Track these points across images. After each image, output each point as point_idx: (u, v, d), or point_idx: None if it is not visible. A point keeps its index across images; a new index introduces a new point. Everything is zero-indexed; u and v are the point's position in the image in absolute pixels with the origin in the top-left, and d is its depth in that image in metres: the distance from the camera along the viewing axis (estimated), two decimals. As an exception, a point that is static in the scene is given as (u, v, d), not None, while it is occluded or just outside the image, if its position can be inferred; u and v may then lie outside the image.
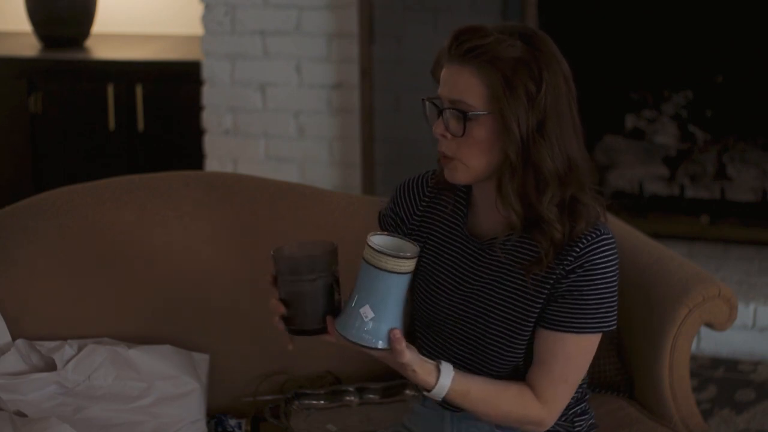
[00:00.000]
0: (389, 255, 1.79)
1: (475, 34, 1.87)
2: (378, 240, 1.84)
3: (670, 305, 2.26)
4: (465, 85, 1.86)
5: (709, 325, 2.30)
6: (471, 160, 1.89)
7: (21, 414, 2.18)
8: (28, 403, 2.21)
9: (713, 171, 3.96)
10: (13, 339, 2.30)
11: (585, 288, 1.90)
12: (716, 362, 3.48)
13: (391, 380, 2.40)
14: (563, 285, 1.91)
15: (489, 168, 1.90)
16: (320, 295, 1.83)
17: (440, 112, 1.90)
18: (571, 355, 1.93)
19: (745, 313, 3.52)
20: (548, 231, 1.89)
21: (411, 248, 1.84)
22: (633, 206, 3.95)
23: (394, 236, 1.88)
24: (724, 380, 3.37)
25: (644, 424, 2.26)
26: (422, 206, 2.06)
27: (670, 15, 3.84)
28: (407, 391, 2.36)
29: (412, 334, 2.20)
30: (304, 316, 1.84)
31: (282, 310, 1.85)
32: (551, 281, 1.92)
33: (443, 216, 2.04)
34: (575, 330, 1.91)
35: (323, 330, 1.86)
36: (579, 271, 1.90)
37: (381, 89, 3.96)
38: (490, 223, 1.99)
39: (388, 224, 2.09)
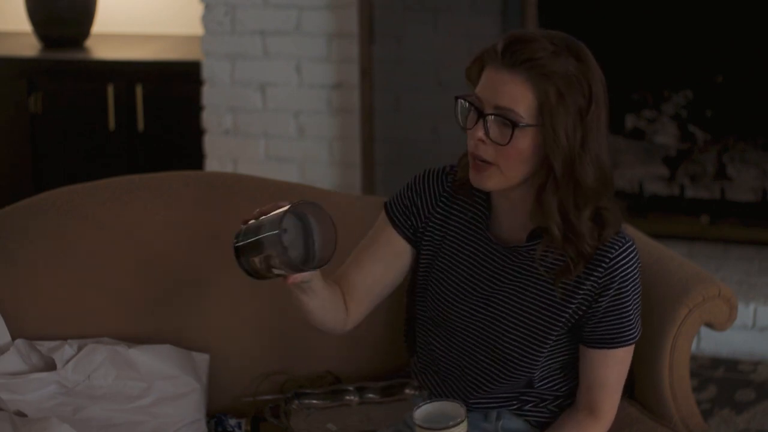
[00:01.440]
0: (440, 429, 1.83)
1: (532, 44, 1.84)
2: (421, 415, 1.87)
3: (670, 305, 2.25)
4: (516, 95, 1.84)
5: (709, 325, 2.30)
6: (508, 168, 1.88)
7: (21, 414, 2.18)
8: (27, 403, 2.21)
9: (713, 171, 3.96)
10: (13, 339, 2.30)
11: (624, 302, 1.94)
12: (716, 362, 3.48)
13: (391, 379, 2.40)
14: (601, 303, 1.93)
15: (523, 177, 1.89)
16: (262, 248, 1.81)
17: (481, 116, 1.87)
18: (622, 363, 2.00)
19: (745, 313, 3.52)
20: (579, 244, 1.89)
21: (456, 409, 1.87)
22: (633, 206, 3.95)
23: (432, 402, 1.92)
24: (724, 380, 3.37)
25: (644, 424, 2.26)
26: (442, 200, 2.05)
27: (670, 15, 3.84)
28: (407, 390, 2.36)
29: (411, 332, 2.20)
30: (243, 238, 1.84)
31: (246, 222, 1.85)
32: (581, 294, 1.93)
33: (464, 215, 2.03)
34: (625, 343, 1.97)
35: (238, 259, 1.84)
36: (614, 286, 1.92)
37: (381, 89, 3.96)
38: (513, 228, 1.98)
39: (399, 212, 2.08)
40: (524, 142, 1.86)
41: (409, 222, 2.07)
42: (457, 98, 1.91)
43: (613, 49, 3.86)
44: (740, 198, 3.94)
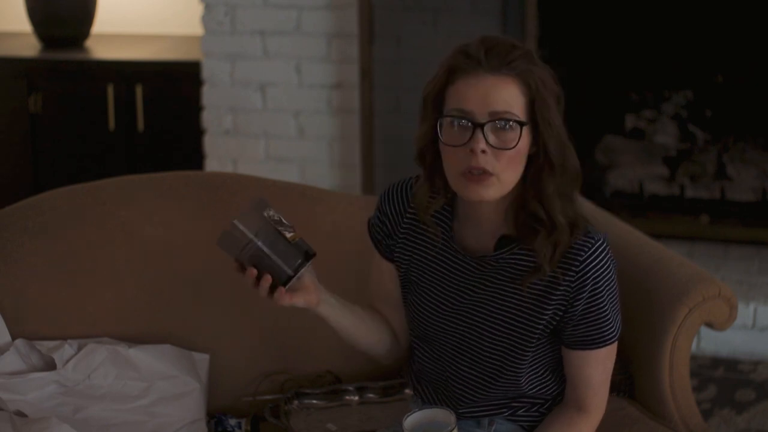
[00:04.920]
0: None
1: (503, 45, 1.88)
2: (411, 423, 1.88)
3: (670, 305, 2.26)
4: (509, 97, 1.85)
5: (709, 325, 2.30)
6: (508, 173, 1.87)
7: (21, 414, 2.18)
8: (27, 402, 2.21)
9: (713, 171, 3.97)
10: (13, 339, 2.30)
11: (601, 304, 1.93)
12: (716, 362, 3.48)
13: (390, 379, 2.40)
14: (577, 307, 1.92)
15: (516, 181, 1.90)
16: (271, 245, 1.88)
17: (477, 127, 1.85)
18: (605, 361, 1.99)
19: (745, 313, 3.52)
20: (556, 236, 1.89)
21: (446, 416, 1.88)
22: (633, 206, 3.95)
23: (423, 409, 1.92)
24: (724, 380, 3.37)
25: (644, 424, 2.26)
26: (408, 215, 2.05)
27: (670, 15, 3.84)
28: (407, 390, 2.36)
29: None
30: (274, 270, 1.89)
31: (253, 273, 1.89)
32: (556, 299, 1.92)
33: (429, 228, 2.03)
34: (606, 343, 1.96)
35: (299, 268, 1.90)
36: (587, 288, 1.91)
37: (381, 89, 3.96)
38: (480, 238, 1.97)
39: (377, 233, 2.08)
40: (523, 142, 1.87)
41: (385, 242, 2.08)
42: (437, 118, 1.89)
43: (613, 48, 3.86)
44: (740, 198, 3.94)
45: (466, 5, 3.87)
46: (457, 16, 3.87)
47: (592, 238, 1.91)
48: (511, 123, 1.85)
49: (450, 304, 2.00)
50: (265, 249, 1.88)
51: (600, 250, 1.91)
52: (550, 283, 1.91)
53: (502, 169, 1.86)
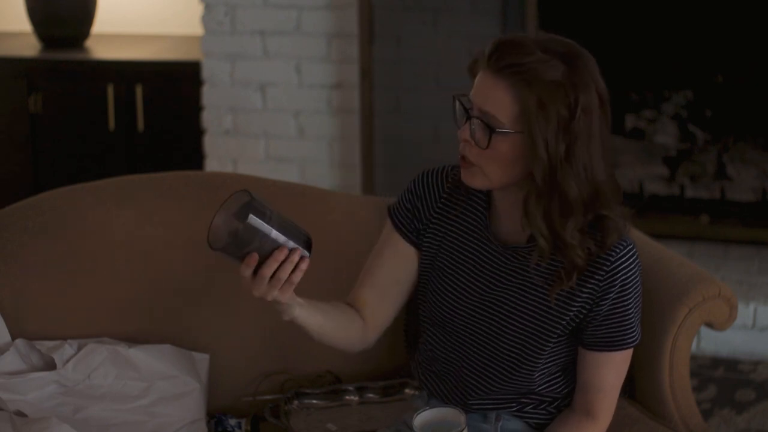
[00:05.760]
0: None
1: (518, 49, 1.83)
2: (420, 421, 1.88)
3: (670, 305, 2.25)
4: (497, 100, 1.83)
5: (709, 325, 2.30)
6: (490, 171, 1.88)
7: (21, 414, 2.18)
8: (27, 403, 2.20)
9: (713, 171, 3.97)
10: (13, 339, 2.30)
11: (626, 305, 1.94)
12: (716, 362, 3.48)
13: (391, 379, 2.40)
14: (602, 307, 1.92)
15: (508, 181, 1.89)
16: (283, 234, 1.80)
17: (468, 118, 1.88)
18: (620, 366, 1.99)
19: (745, 313, 3.52)
20: (570, 255, 1.88)
21: (456, 415, 1.88)
22: (633, 206, 3.94)
23: (431, 408, 1.92)
24: (724, 380, 3.37)
25: (644, 424, 2.26)
26: (442, 200, 2.05)
27: (670, 15, 3.84)
28: (407, 390, 2.36)
29: (410, 331, 2.20)
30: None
31: (275, 266, 1.81)
32: (582, 298, 1.92)
33: (463, 214, 2.03)
34: (625, 346, 1.96)
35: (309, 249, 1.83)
36: (615, 290, 1.91)
37: (381, 89, 3.96)
38: (513, 228, 1.97)
39: (403, 216, 2.08)
40: (504, 147, 1.85)
41: (412, 225, 2.07)
42: (454, 97, 1.92)
43: (613, 48, 3.86)
44: (740, 198, 3.94)
45: (466, 5, 3.87)
46: (457, 16, 3.87)
47: (624, 241, 1.92)
48: (482, 124, 1.85)
49: (475, 291, 2.00)
50: (290, 243, 1.82)
51: (631, 253, 1.92)
52: (579, 281, 1.92)
53: (484, 164, 1.88)
